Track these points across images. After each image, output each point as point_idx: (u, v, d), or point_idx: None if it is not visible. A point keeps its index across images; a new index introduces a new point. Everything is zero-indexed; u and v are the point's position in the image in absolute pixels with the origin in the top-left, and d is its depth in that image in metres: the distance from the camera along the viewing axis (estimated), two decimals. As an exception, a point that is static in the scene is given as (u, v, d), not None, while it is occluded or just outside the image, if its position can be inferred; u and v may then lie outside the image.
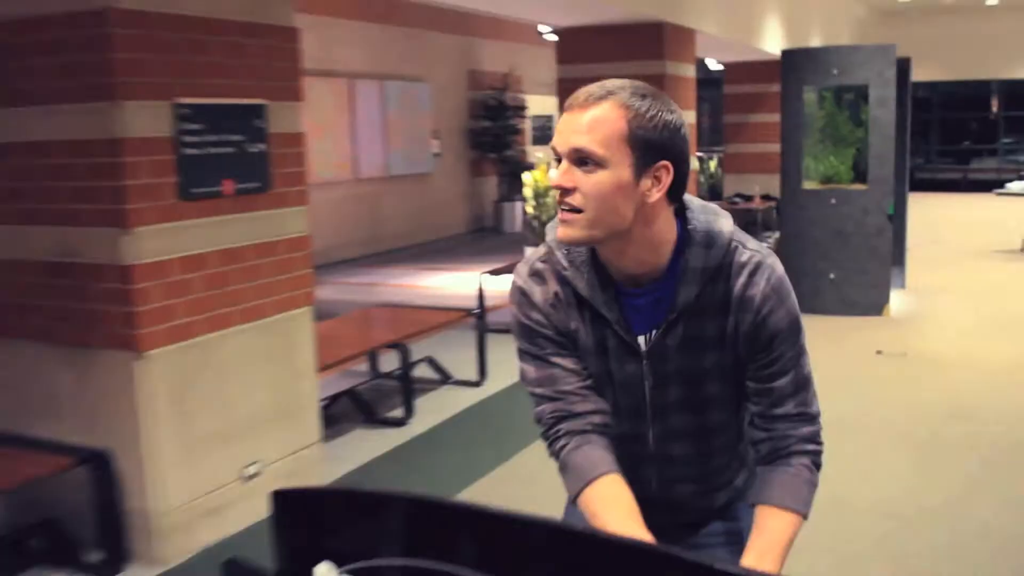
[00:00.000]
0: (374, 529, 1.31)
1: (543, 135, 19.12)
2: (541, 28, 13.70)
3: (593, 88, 1.69)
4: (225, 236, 4.43)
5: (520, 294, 1.90)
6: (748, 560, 1.76)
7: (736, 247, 1.80)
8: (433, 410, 6.43)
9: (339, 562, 1.32)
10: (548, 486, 5.01)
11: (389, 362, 6.90)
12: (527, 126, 18.49)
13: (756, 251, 1.81)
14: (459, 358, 7.38)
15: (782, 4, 15.01)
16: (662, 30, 10.04)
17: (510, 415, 6.28)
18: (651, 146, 1.66)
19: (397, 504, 1.30)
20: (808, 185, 9.32)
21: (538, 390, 1.92)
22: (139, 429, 4.12)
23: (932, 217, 16.36)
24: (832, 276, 9.11)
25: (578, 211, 1.68)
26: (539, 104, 18.57)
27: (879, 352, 7.67)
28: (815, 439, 1.87)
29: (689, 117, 10.96)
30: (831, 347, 7.71)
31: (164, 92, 4.10)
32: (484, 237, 16.63)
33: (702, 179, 16.34)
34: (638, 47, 10.10)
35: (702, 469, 1.99)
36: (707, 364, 1.83)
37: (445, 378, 7.13)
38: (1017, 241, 13.36)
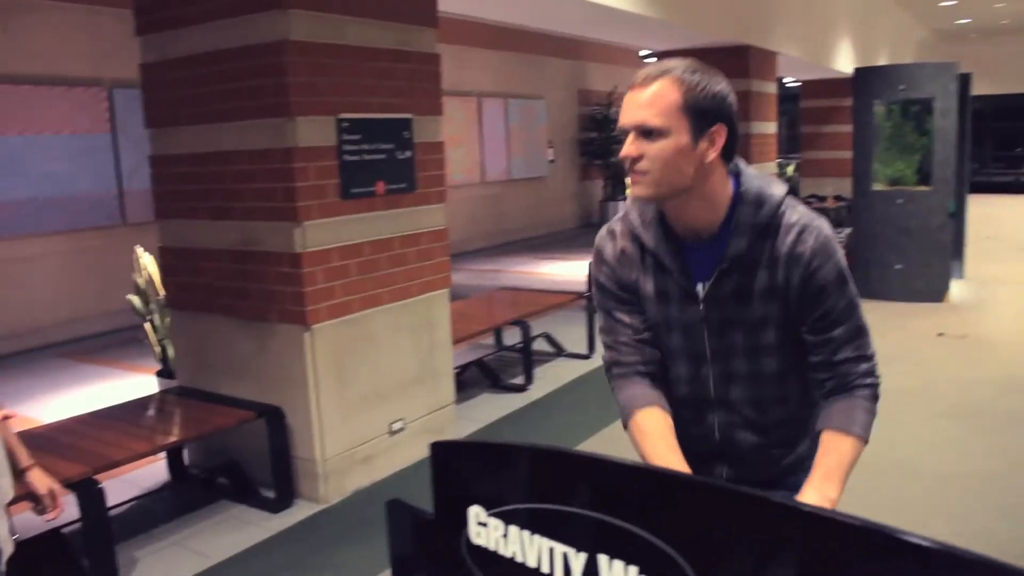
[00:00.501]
0: (526, 479, 1.29)
1: (642, 144, 18.91)
2: (642, 52, 13.52)
3: (651, 68, 1.68)
4: (377, 229, 4.46)
5: (596, 252, 1.92)
6: (815, 478, 1.68)
7: (785, 210, 1.75)
8: (549, 378, 6.39)
9: (485, 506, 1.31)
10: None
11: (511, 337, 6.90)
12: (628, 136, 18.36)
13: (805, 213, 1.76)
14: (571, 334, 7.34)
15: (853, 28, 14.52)
16: (747, 53, 9.80)
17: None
18: (704, 113, 1.66)
19: (549, 457, 1.28)
20: (877, 187, 9.00)
21: (603, 339, 1.94)
22: (306, 389, 4.18)
23: (988, 215, 15.65)
24: (898, 267, 8.77)
25: (645, 173, 1.68)
26: (639, 117, 18.38)
27: (940, 334, 7.34)
28: (872, 373, 1.77)
29: (770, 128, 10.68)
30: (897, 329, 7.43)
31: (329, 109, 4.14)
32: (591, 231, 16.48)
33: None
34: (726, 68, 9.68)
35: (761, 417, 1.86)
36: (759, 313, 1.76)
37: (559, 351, 7.08)
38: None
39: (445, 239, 4.95)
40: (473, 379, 6.34)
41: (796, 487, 1.77)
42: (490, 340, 7.06)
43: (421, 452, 4.76)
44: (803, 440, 1.92)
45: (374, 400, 4.53)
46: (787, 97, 19.31)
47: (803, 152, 17.16)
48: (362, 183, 4.33)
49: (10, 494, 2.05)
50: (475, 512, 1.31)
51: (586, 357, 6.91)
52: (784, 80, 17.83)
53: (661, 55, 10.28)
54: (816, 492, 1.64)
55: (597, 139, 16.86)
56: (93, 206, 8.55)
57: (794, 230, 1.73)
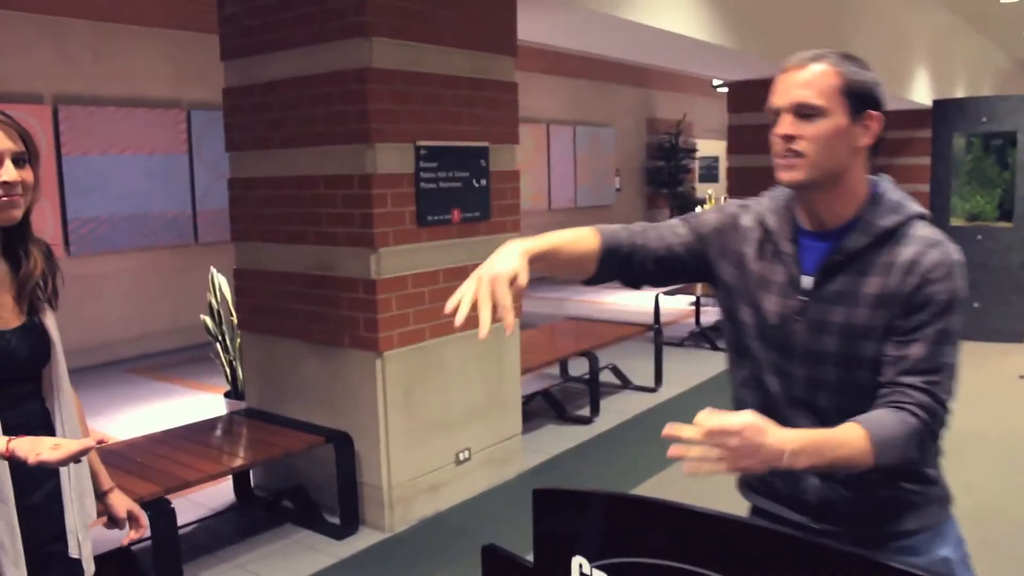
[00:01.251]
0: (632, 530, 1.25)
1: (709, 173, 18.79)
2: (715, 82, 13.44)
3: (805, 53, 1.67)
4: (452, 256, 4.46)
5: (724, 210, 1.89)
6: (795, 432, 1.48)
7: (920, 223, 1.68)
8: (614, 411, 6.32)
9: (589, 557, 1.28)
10: (718, 483, 4.86)
11: (576, 368, 6.84)
12: (696, 166, 18.26)
13: (939, 233, 1.67)
14: (637, 367, 7.25)
15: (928, 57, 14.26)
16: (824, 84, 9.65)
17: (683, 418, 6.07)
18: (862, 97, 1.64)
19: (655, 509, 1.25)
20: (955, 222, 8.79)
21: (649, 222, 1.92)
22: (376, 416, 4.18)
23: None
24: (976, 305, 8.54)
25: (801, 155, 1.63)
26: (707, 147, 18.29)
27: (1022, 376, 7.11)
28: (934, 412, 1.56)
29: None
30: (975, 370, 7.20)
31: (407, 136, 4.17)
32: (655, 261, 16.42)
33: (852, 215, 15.69)
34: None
35: None
36: (863, 321, 1.64)
37: (626, 383, 7.00)
38: None
39: (517, 268, 4.91)
40: (538, 409, 6.29)
41: (908, 551, 1.63)
42: (555, 370, 7.01)
43: (486, 482, 4.73)
44: (903, 481, 1.68)
45: (442, 429, 4.51)
46: (860, 129, 19.04)
47: (876, 185, 16.88)
48: (438, 211, 4.33)
49: (93, 516, 2.07)
50: (579, 563, 1.28)
51: (652, 390, 6.82)
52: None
53: (734, 84, 10.20)
54: (779, 434, 1.44)
55: (664, 168, 16.79)
56: (167, 225, 8.73)
57: (921, 242, 1.64)
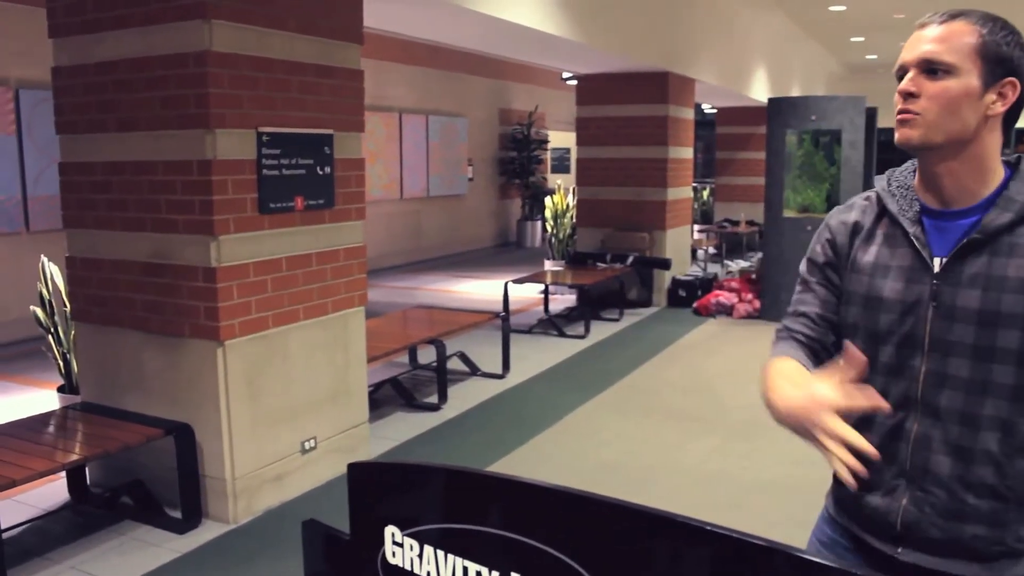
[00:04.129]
0: (441, 499, 1.33)
1: (561, 164, 19.17)
2: (564, 75, 13.72)
3: (944, 11, 1.54)
4: (295, 244, 4.45)
5: (823, 224, 1.75)
6: None
7: None
8: (463, 397, 6.42)
9: (400, 526, 1.34)
10: (560, 464, 5.03)
11: (425, 356, 6.91)
12: (548, 157, 18.62)
13: None
14: (486, 354, 7.39)
15: (767, 59, 14.99)
16: (667, 79, 10.04)
17: (528, 404, 6.28)
18: (1001, 61, 1.49)
19: (463, 478, 1.32)
20: (788, 213, 9.30)
21: (790, 308, 1.76)
22: (217, 406, 4.13)
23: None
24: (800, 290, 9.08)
25: (917, 114, 1.51)
26: (559, 138, 18.66)
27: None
28: None
29: (686, 153, 10.94)
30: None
31: (250, 122, 4.12)
32: (508, 251, 16.63)
33: (696, 205, 16.33)
34: (646, 93, 10.12)
35: (966, 439, 1.50)
36: (1005, 308, 1.46)
37: (474, 370, 7.11)
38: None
39: (363, 256, 4.95)
40: (387, 398, 6.33)
41: None
42: (404, 358, 7.05)
43: (333, 471, 4.74)
44: (1017, 519, 1.50)
45: (286, 418, 4.49)
46: (704, 123, 19.82)
47: (718, 177, 17.60)
48: (281, 198, 4.31)
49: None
50: (391, 532, 1.34)
51: (500, 377, 6.97)
52: (702, 106, 18.29)
53: (583, 78, 10.47)
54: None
55: (517, 158, 17.02)
56: (-7, 211, 8.27)
57: None
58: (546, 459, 5.16)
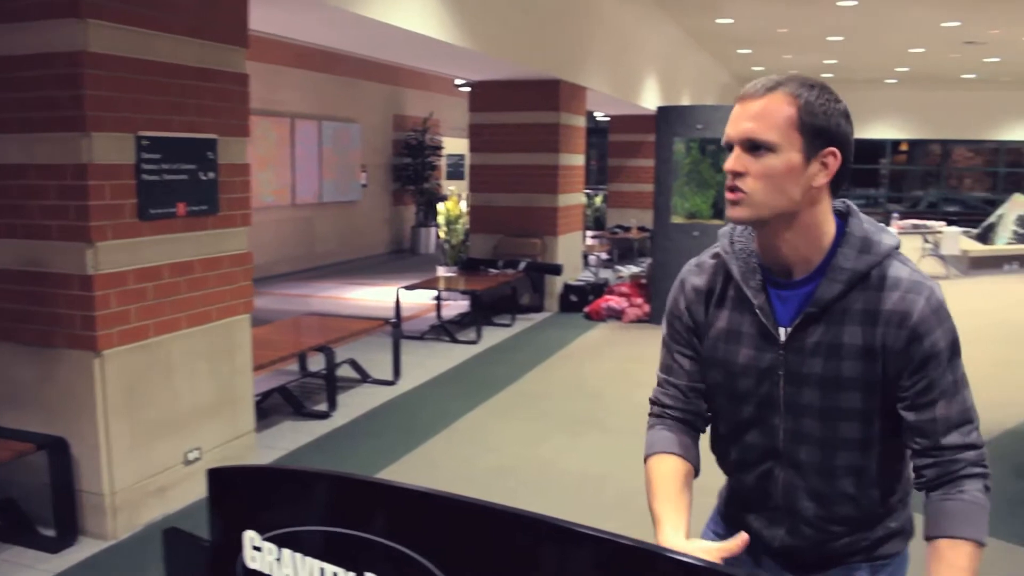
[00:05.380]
0: (298, 502, 1.34)
1: (456, 171, 19.19)
2: (457, 81, 13.77)
3: (763, 80, 1.55)
4: (177, 251, 4.35)
5: (678, 283, 1.78)
6: None
7: (894, 263, 1.58)
8: (353, 405, 6.38)
9: (259, 530, 1.35)
10: (449, 469, 5.05)
11: (316, 363, 6.84)
12: (442, 163, 18.57)
13: (916, 271, 1.58)
14: (377, 361, 7.35)
15: (659, 69, 15.34)
16: (558, 87, 10.18)
17: (419, 410, 6.29)
18: (820, 132, 1.52)
19: (318, 480, 1.34)
20: (676, 220, 9.53)
21: (659, 375, 1.80)
22: (94, 418, 4.01)
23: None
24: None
25: (745, 194, 1.54)
26: (453, 145, 18.66)
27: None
28: (982, 463, 1.55)
29: (578, 160, 11.11)
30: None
31: (129, 125, 4.02)
32: (402, 257, 16.55)
33: (588, 211, 16.60)
34: (538, 100, 10.24)
35: (826, 487, 1.64)
36: (846, 373, 1.56)
37: (364, 377, 7.07)
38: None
39: (248, 263, 4.88)
40: (275, 406, 6.24)
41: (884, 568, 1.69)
42: (295, 367, 6.97)
43: (218, 483, 4.65)
44: (873, 526, 1.69)
45: (169, 429, 4.39)
46: (596, 131, 20.16)
47: (610, 184, 17.90)
48: (162, 204, 4.21)
49: None
50: (250, 537, 1.35)
51: (391, 383, 6.95)
52: (595, 114, 18.58)
53: (475, 84, 10.53)
54: None
55: (411, 165, 16.96)
56: None
57: (901, 286, 1.55)
58: (435, 465, 5.17)
